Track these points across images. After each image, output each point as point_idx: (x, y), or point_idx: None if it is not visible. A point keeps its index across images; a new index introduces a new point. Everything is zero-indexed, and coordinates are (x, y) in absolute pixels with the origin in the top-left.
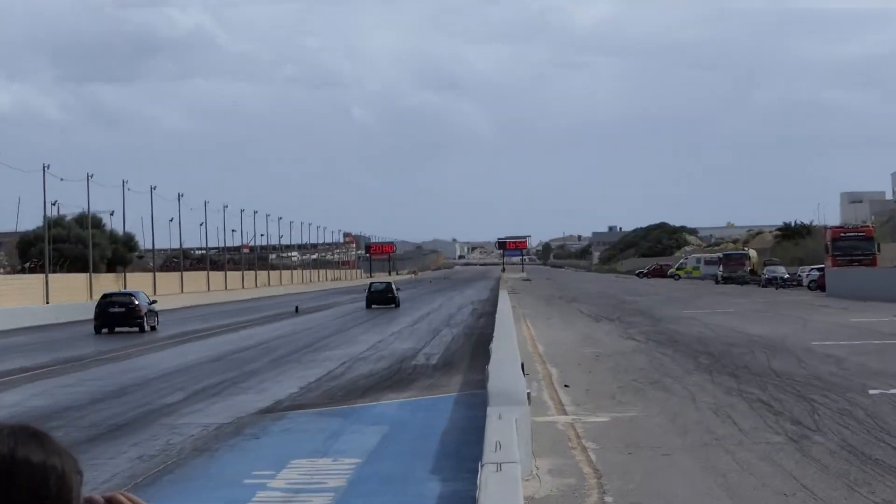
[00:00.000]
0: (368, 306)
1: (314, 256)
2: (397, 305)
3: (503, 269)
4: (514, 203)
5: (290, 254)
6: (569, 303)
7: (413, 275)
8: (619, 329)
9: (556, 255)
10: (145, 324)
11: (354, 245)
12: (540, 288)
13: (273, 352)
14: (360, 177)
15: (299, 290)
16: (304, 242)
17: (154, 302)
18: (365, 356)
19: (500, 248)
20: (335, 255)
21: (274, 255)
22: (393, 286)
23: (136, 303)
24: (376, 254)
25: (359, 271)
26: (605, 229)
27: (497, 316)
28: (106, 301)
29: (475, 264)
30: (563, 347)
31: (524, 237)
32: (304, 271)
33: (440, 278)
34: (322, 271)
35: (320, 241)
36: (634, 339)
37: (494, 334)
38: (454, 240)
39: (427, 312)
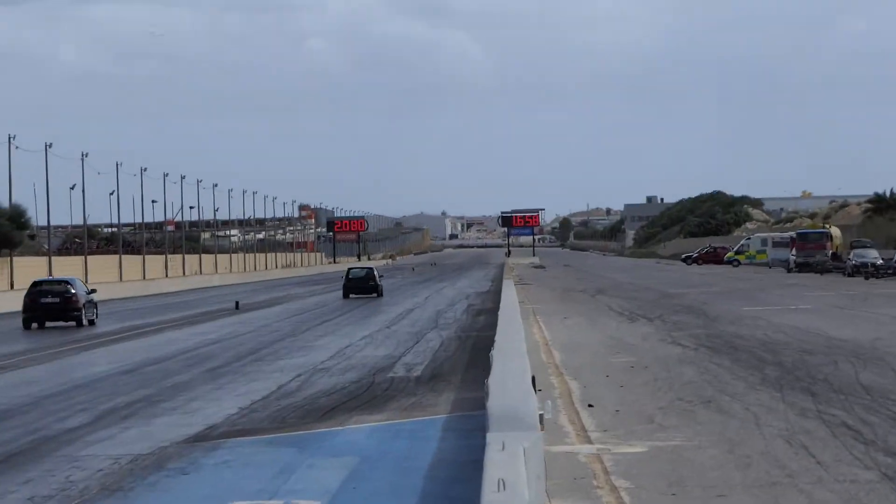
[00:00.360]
0: (346, 296)
1: (260, 236)
2: (380, 294)
3: (508, 253)
4: (523, 167)
5: (228, 232)
6: (594, 296)
7: (390, 260)
8: (660, 331)
9: (578, 234)
10: (83, 317)
11: (313, 221)
12: (556, 277)
13: (206, 360)
14: (320, 131)
15: (240, 279)
16: (247, 217)
17: (93, 291)
18: (327, 366)
19: (503, 226)
20: (288, 235)
21: (207, 235)
22: (375, 272)
23: (73, 292)
24: (342, 232)
25: (319, 255)
26: (642, 200)
27: (500, 313)
28: (36, 290)
29: (471, 246)
30: (586, 355)
31: (536, 211)
32: (248, 256)
33: (426, 264)
34: (271, 256)
35: (268, 217)
36: (680, 345)
37: (497, 338)
38: (444, 214)
39: (408, 309)
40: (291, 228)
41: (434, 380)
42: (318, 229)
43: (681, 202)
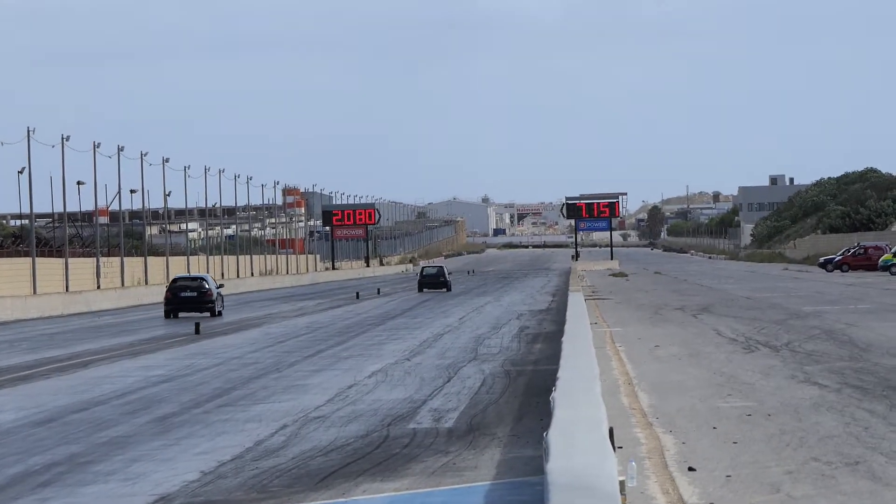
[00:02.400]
0: (420, 290)
1: (230, 231)
2: (449, 289)
3: (576, 255)
4: (595, 136)
5: (185, 226)
6: (696, 316)
7: (409, 265)
8: (788, 365)
9: (674, 228)
10: (216, 307)
11: (304, 210)
12: (644, 289)
13: (154, 406)
14: (313, 83)
15: None
16: (211, 206)
17: (221, 286)
18: (324, 413)
19: (569, 217)
20: (269, 230)
21: (156, 230)
22: (445, 270)
23: (207, 287)
24: (344, 226)
25: (312, 258)
26: (763, 182)
27: (565, 340)
28: (176, 285)
29: (524, 245)
30: (684, 398)
31: (615, 196)
32: (212, 259)
33: (461, 272)
34: (245, 259)
35: (241, 204)
36: (817, 384)
37: (560, 374)
38: (486, 201)
39: (436, 334)
40: (273, 221)
41: (473, 432)
42: (311, 222)
43: (818, 184)
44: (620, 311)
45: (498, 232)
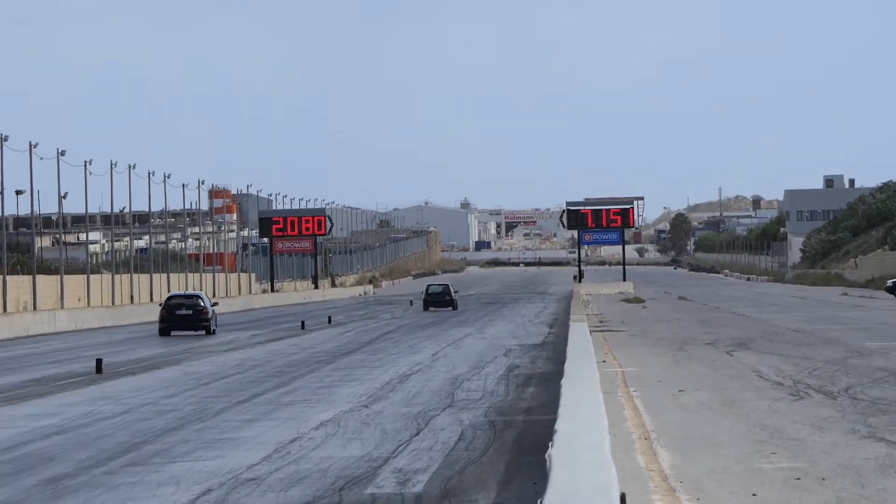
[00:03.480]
0: (426, 308)
1: (141, 243)
2: (455, 308)
3: (579, 276)
4: (602, 127)
5: (85, 237)
6: (730, 353)
7: (370, 285)
8: (847, 416)
9: (704, 241)
10: (211, 326)
11: (236, 216)
12: (665, 318)
13: (42, 465)
14: (249, 61)
15: (106, 320)
16: (119, 211)
17: (216, 304)
18: (259, 474)
19: (570, 227)
20: (192, 242)
21: (48, 242)
22: (451, 287)
23: (203, 305)
24: (286, 238)
25: (246, 277)
26: (816, 185)
27: (564, 383)
28: (171, 303)
29: (513, 263)
30: (715, 457)
31: (628, 202)
32: (120, 278)
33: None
34: (160, 278)
35: (156, 210)
36: (885, 440)
37: (558, 426)
38: (466, 205)
39: (402, 375)
40: (197, 231)
41: (448, 499)
42: (245, 232)
43: (885, 188)
44: (635, 347)
45: (481, 245)
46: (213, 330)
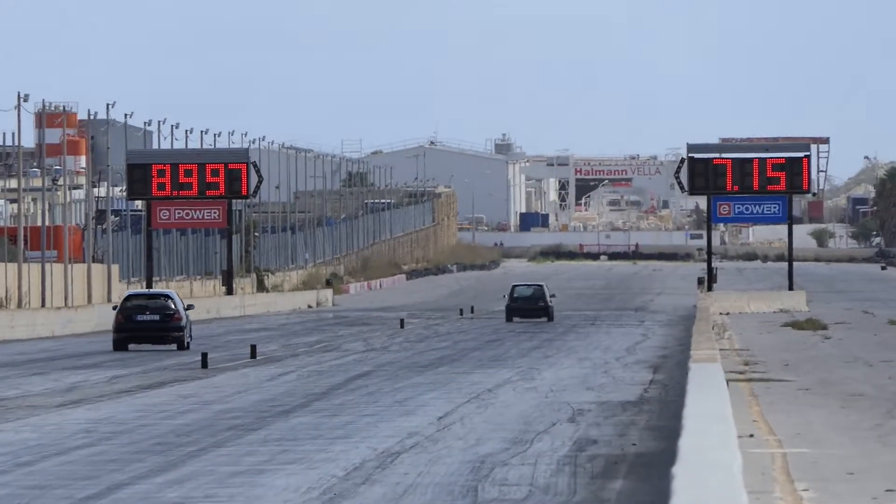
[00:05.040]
0: (509, 318)
1: None
2: (550, 319)
3: (709, 280)
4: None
5: None
6: None
7: (328, 289)
8: None
9: None
10: (185, 338)
11: (87, 160)
12: (862, 356)
13: None
14: None
15: None
16: None
17: (190, 307)
18: None
19: (693, 191)
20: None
21: None
22: (546, 290)
23: (174, 308)
24: (176, 199)
25: (102, 271)
26: None
27: (677, 473)
28: (129, 305)
29: (588, 255)
30: None
31: (802, 146)
32: None
33: (444, 309)
34: None
35: None
36: None
37: None
38: (506, 147)
39: (385, 454)
40: (13, 188)
41: None
42: (100, 189)
43: None
44: (808, 410)
45: (531, 221)
46: (188, 343)
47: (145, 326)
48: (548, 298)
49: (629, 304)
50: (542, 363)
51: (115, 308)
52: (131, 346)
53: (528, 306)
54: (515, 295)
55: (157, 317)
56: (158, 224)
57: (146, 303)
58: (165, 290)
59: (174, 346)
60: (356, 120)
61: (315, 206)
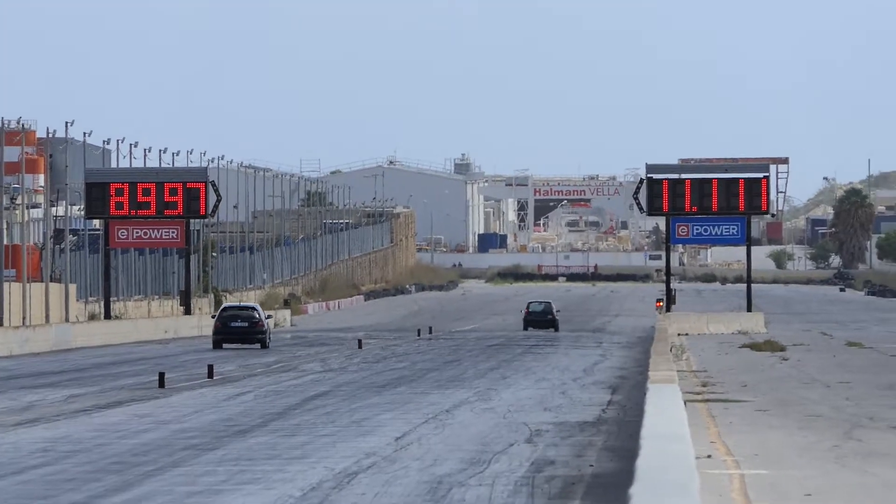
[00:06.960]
0: (525, 328)
1: None
2: (557, 329)
3: (667, 301)
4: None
5: None
6: None
7: (286, 308)
8: None
9: (893, 242)
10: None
11: (45, 178)
12: (820, 377)
13: None
14: None
15: None
16: None
17: (270, 316)
18: None
19: (652, 211)
20: None
21: None
22: (553, 306)
23: (258, 317)
24: (133, 219)
25: (60, 291)
26: None
27: (635, 494)
28: (226, 314)
29: (547, 276)
30: None
31: (761, 167)
32: None
33: (401, 329)
34: None
35: None
36: None
37: None
38: (465, 167)
39: (342, 474)
40: None
41: None
42: (58, 209)
43: None
44: (766, 431)
45: (489, 241)
46: (268, 344)
47: (237, 331)
48: (554, 312)
49: (588, 326)
50: (499, 384)
51: (213, 317)
52: (224, 345)
53: (540, 318)
54: (530, 310)
55: (245, 323)
56: (116, 243)
57: (237, 312)
58: (251, 304)
59: (258, 346)
60: (315, 139)
61: (273, 226)
